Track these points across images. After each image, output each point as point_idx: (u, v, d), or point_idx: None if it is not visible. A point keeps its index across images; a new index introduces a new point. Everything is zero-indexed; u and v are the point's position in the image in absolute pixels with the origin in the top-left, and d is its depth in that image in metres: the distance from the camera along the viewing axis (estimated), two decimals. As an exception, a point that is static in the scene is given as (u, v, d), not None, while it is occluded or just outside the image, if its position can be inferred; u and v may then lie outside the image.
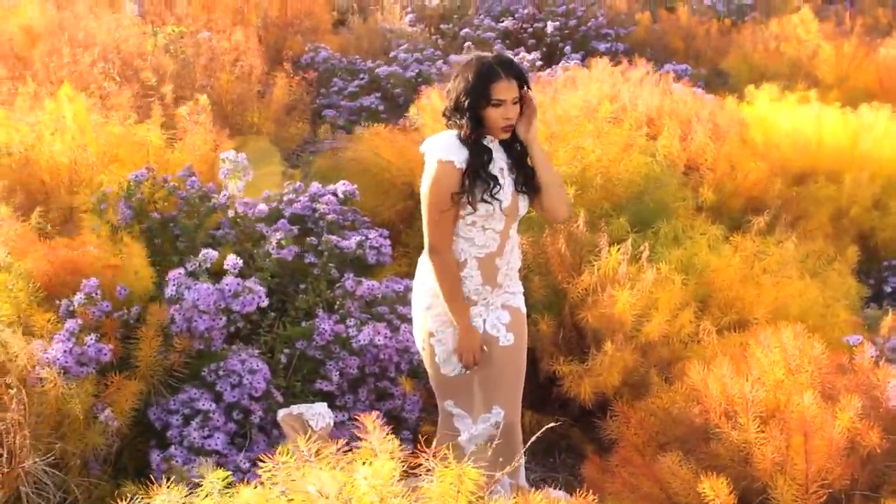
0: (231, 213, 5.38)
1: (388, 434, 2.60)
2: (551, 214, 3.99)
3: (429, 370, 4.00)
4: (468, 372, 3.87)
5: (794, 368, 4.00)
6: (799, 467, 3.60)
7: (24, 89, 6.67)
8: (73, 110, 5.83)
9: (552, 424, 3.63)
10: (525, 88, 3.75)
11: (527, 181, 3.85)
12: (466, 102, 3.68)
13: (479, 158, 3.72)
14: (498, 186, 3.74)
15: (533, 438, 3.44)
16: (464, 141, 3.71)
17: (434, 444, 3.94)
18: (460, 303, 3.81)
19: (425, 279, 3.94)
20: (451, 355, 3.86)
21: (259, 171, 6.85)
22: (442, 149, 3.73)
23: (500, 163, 3.79)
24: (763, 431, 3.75)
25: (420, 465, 2.52)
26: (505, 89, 3.68)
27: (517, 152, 3.84)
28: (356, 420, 2.63)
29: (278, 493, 2.56)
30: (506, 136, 3.76)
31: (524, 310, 4.04)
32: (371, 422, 2.62)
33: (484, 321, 3.89)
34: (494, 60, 3.74)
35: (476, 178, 3.71)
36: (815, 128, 7.22)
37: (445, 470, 2.47)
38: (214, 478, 2.55)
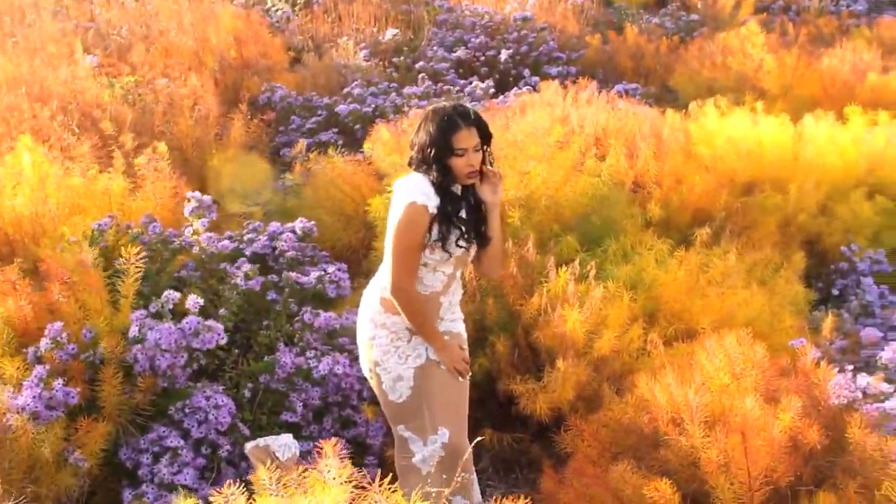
0: (196, 249, 5.55)
1: (343, 459, 2.75)
2: (486, 271, 4.32)
3: (379, 398, 4.18)
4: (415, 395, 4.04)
5: (738, 373, 4.19)
6: (741, 467, 3.78)
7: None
8: (33, 162, 5.97)
9: (480, 438, 3.75)
10: (488, 159, 3.96)
11: (479, 232, 4.04)
12: (432, 154, 3.86)
13: (453, 205, 3.91)
14: (471, 233, 3.95)
15: (468, 449, 3.55)
16: (436, 186, 3.89)
17: (397, 469, 4.12)
18: (430, 327, 4.00)
19: (367, 311, 4.14)
20: (396, 382, 4.05)
21: (220, 213, 7.03)
22: (416, 192, 3.88)
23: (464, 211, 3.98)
24: (709, 436, 3.93)
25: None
26: (465, 138, 3.85)
27: (473, 203, 4.01)
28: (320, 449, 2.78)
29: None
30: (471, 182, 3.93)
31: (464, 334, 4.26)
32: (330, 448, 2.78)
33: (426, 349, 4.07)
34: (453, 111, 3.90)
35: (450, 223, 3.90)
36: (759, 138, 7.42)
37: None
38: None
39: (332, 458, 2.72)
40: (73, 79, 8.39)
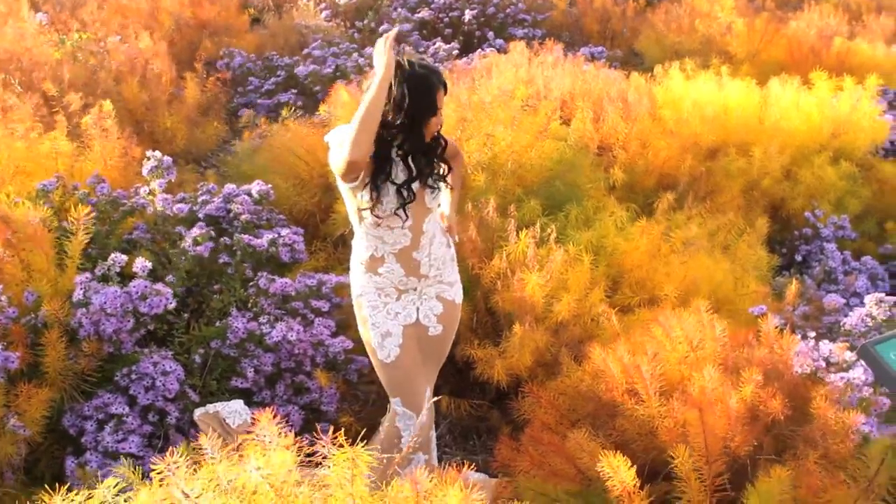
0: (150, 210, 5.39)
1: (282, 426, 2.64)
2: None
3: (373, 361, 4.05)
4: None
5: (696, 346, 4.10)
6: (699, 438, 3.70)
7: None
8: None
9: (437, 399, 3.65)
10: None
11: (434, 176, 3.91)
12: (417, 116, 3.70)
13: (384, 168, 3.77)
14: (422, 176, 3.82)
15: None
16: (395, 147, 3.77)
17: (379, 433, 4.01)
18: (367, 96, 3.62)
19: (353, 274, 4.04)
20: (385, 338, 3.93)
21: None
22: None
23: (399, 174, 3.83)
24: (666, 405, 3.85)
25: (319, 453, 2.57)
26: (443, 98, 3.79)
27: (429, 147, 3.87)
28: (274, 416, 2.67)
29: (178, 493, 2.59)
30: (433, 134, 3.84)
31: (459, 301, 4.15)
32: (265, 417, 2.67)
33: (417, 309, 4.00)
34: (428, 73, 3.75)
35: (385, 180, 3.76)
36: (724, 102, 7.34)
37: (340, 454, 2.52)
38: (108, 484, 2.57)
39: (270, 426, 2.60)
40: (20, 37, 8.11)
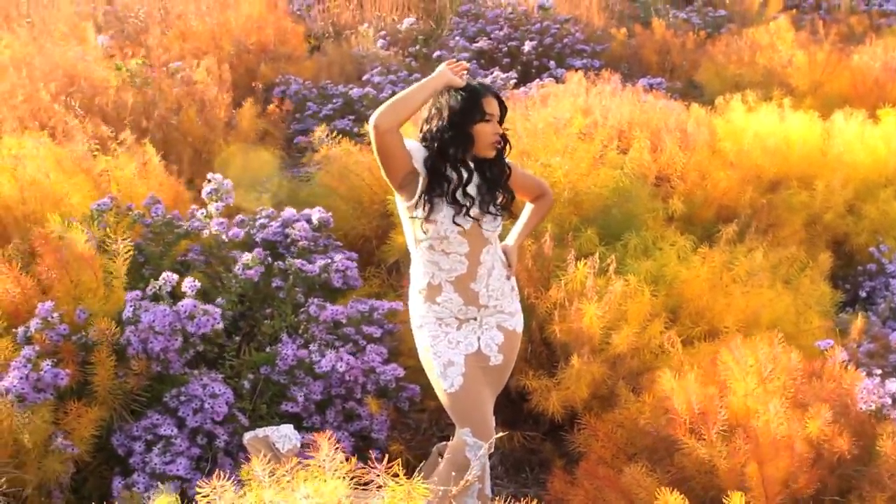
0: (206, 233, 5.37)
1: (337, 451, 2.57)
2: None
3: (437, 392, 3.94)
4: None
5: (766, 378, 3.97)
6: (756, 479, 3.57)
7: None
8: (32, 147, 5.82)
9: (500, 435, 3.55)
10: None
11: (496, 203, 3.85)
12: (458, 117, 3.70)
13: (459, 176, 3.72)
14: (485, 205, 3.77)
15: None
16: (450, 160, 3.73)
17: (443, 463, 3.91)
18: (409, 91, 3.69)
19: (412, 304, 3.97)
20: (447, 368, 3.83)
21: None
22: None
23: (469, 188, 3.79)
24: (728, 443, 3.72)
25: (371, 481, 2.49)
26: (491, 104, 3.76)
27: (493, 174, 3.84)
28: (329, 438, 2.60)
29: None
30: (491, 153, 3.79)
31: (520, 330, 4.04)
32: (324, 440, 2.60)
33: (478, 338, 3.89)
34: (475, 82, 3.83)
35: (441, 194, 3.71)
36: (786, 134, 7.20)
37: (396, 486, 2.44)
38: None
39: (330, 450, 2.53)
40: (82, 60, 8.21)
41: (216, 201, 5.56)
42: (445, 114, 3.72)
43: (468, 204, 3.73)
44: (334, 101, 9.80)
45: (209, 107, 8.18)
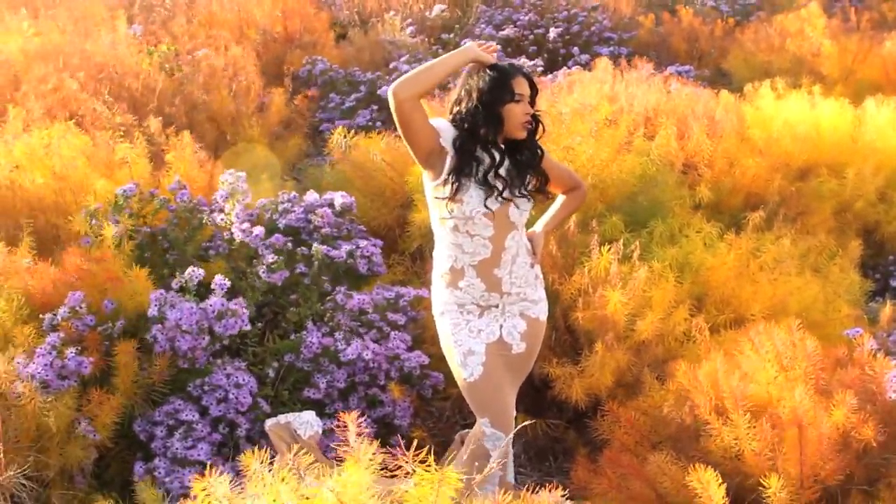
0: (227, 234, 5.32)
1: (364, 437, 2.55)
2: None
3: (457, 380, 3.90)
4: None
5: (787, 364, 3.92)
6: (792, 463, 3.52)
7: (12, 114, 6.65)
8: (58, 134, 5.84)
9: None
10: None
11: (526, 187, 3.81)
12: (488, 97, 3.68)
13: (468, 163, 3.69)
14: (514, 188, 3.74)
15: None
16: (480, 141, 3.70)
17: (463, 451, 3.88)
18: (433, 62, 3.70)
19: (434, 289, 3.94)
20: (467, 357, 3.79)
21: (256, 186, 6.84)
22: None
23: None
24: (754, 426, 3.67)
25: (400, 467, 2.47)
26: (522, 84, 3.73)
27: (524, 157, 3.81)
28: (345, 427, 2.57)
29: None
30: (522, 134, 3.75)
31: (543, 318, 3.99)
32: (351, 421, 2.57)
33: (500, 326, 3.85)
34: (505, 62, 3.83)
35: (470, 173, 3.68)
36: (816, 122, 7.11)
37: (425, 473, 2.41)
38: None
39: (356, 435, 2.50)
40: (113, 48, 8.25)
41: (235, 200, 5.48)
42: (475, 94, 3.70)
43: (500, 185, 3.70)
44: (360, 88, 9.78)
45: (239, 91, 8.19)
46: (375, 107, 9.40)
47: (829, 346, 4.43)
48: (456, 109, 3.76)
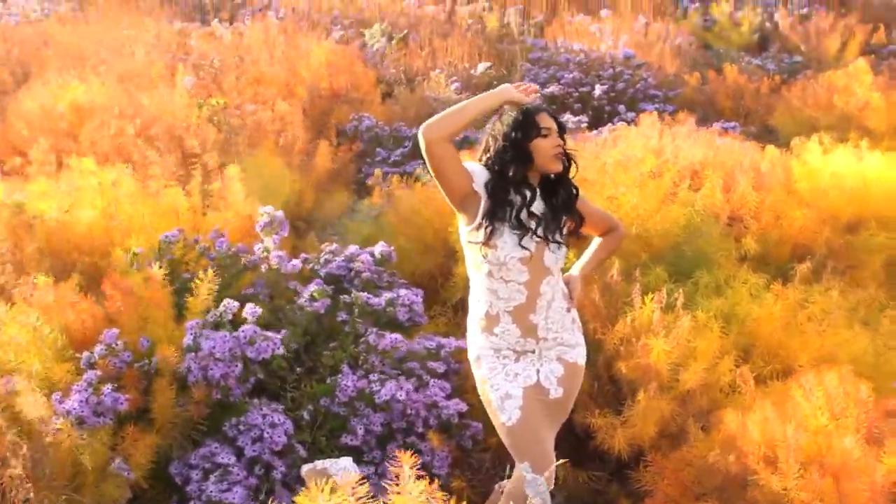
0: (264, 267, 5.37)
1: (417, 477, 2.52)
2: None
3: (495, 425, 3.82)
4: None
5: (837, 413, 3.82)
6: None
7: (68, 161, 6.77)
8: (110, 178, 5.91)
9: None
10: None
11: (562, 231, 3.77)
12: (516, 135, 3.66)
13: (522, 197, 3.66)
14: (549, 231, 3.69)
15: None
16: (511, 181, 3.68)
17: (503, 499, 3.80)
18: (466, 103, 3.67)
19: (469, 335, 3.88)
20: (504, 401, 3.72)
21: (301, 242, 6.88)
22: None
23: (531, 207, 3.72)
24: (804, 477, 3.57)
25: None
26: (545, 119, 3.71)
27: (559, 199, 3.78)
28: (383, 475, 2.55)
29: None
30: (559, 167, 3.72)
31: (581, 363, 3.91)
32: (406, 458, 2.55)
33: (537, 371, 3.78)
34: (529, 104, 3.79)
35: (505, 214, 3.65)
36: (864, 175, 7.00)
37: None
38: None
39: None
40: (169, 101, 8.40)
41: (272, 234, 5.55)
42: (500, 136, 3.69)
43: (533, 225, 3.66)
44: (405, 144, 9.82)
45: (286, 145, 8.27)
46: (421, 161, 9.41)
47: (880, 397, 4.32)
48: (485, 157, 3.75)
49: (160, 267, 4.88)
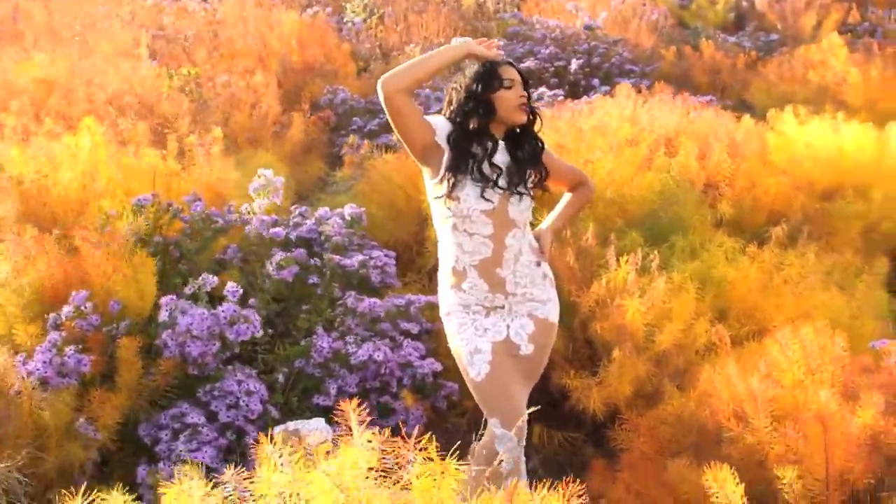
0: (248, 228, 5.30)
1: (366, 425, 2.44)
2: None
3: (466, 381, 3.76)
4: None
5: (813, 368, 3.79)
6: (817, 464, 3.38)
7: (40, 128, 6.67)
8: (89, 140, 5.82)
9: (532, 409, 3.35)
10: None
11: (526, 183, 3.72)
12: (478, 87, 3.60)
13: (483, 148, 3.61)
14: (512, 182, 3.64)
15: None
16: (474, 132, 3.61)
17: (474, 458, 3.75)
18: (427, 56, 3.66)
19: (440, 291, 3.83)
20: (474, 356, 3.66)
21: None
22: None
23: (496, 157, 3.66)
24: (777, 430, 3.54)
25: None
26: (509, 71, 3.66)
27: (524, 152, 3.72)
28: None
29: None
30: (523, 118, 3.66)
31: (553, 319, 3.83)
32: (351, 409, 2.47)
33: (508, 326, 3.71)
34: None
35: (467, 166, 3.59)
36: (839, 145, 7.00)
37: (426, 465, 2.31)
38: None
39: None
40: (134, 73, 8.30)
41: (263, 198, 5.49)
42: (462, 88, 3.64)
43: (495, 176, 3.61)
44: (380, 115, 9.74)
45: (259, 116, 8.19)
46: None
47: (854, 350, 4.30)
48: (447, 110, 3.70)
49: (133, 230, 4.81)
